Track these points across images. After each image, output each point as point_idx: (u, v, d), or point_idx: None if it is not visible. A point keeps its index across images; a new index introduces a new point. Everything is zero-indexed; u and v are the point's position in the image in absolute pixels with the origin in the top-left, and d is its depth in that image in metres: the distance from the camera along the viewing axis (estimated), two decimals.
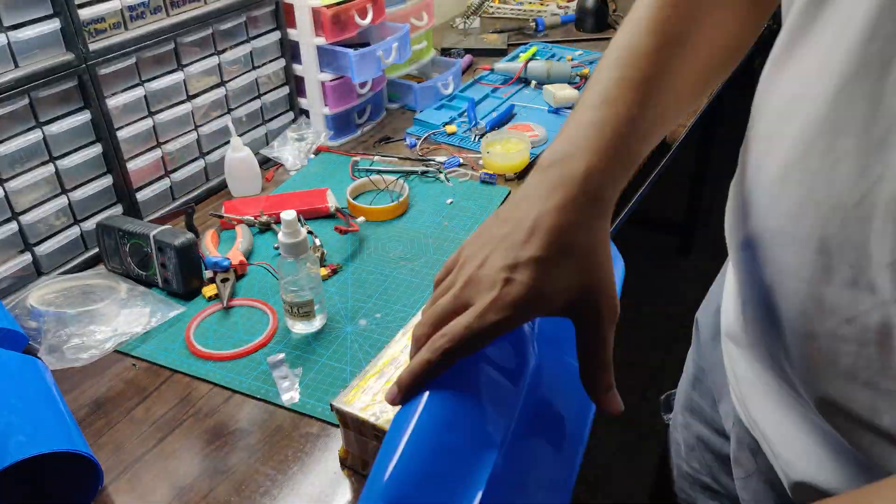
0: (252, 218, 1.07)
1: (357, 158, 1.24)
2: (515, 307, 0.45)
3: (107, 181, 1.02)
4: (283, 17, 1.22)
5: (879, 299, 0.42)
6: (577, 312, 0.47)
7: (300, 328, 0.87)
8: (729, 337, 0.62)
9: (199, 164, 1.16)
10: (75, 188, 0.98)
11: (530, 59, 1.52)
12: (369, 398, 0.66)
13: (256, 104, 1.23)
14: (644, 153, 0.53)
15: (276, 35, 1.23)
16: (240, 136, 1.17)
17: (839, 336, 0.45)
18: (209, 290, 0.94)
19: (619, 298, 0.49)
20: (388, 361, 0.70)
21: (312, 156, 1.27)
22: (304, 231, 0.82)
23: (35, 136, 0.91)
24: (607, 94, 0.52)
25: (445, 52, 1.65)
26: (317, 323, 0.87)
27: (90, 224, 1.00)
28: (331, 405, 0.67)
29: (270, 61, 1.24)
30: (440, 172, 1.19)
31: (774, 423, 0.57)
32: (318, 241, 1.01)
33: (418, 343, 0.47)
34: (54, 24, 0.90)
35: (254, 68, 1.21)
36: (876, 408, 0.45)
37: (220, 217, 1.08)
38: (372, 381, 0.68)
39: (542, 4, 1.95)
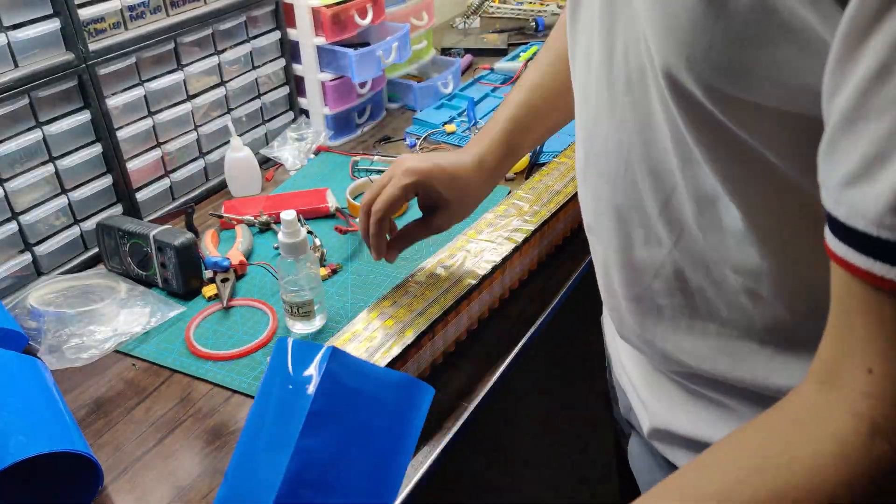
0: (252, 218, 1.07)
1: (357, 158, 1.24)
2: (415, 177, 0.76)
3: (107, 181, 1.02)
4: (283, 17, 1.22)
5: (666, 248, 0.53)
6: (431, 205, 0.79)
7: (300, 328, 0.87)
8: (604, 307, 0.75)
9: (199, 164, 1.16)
10: (75, 188, 0.98)
11: (530, 59, 1.52)
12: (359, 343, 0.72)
13: (256, 104, 1.23)
14: (528, 140, 0.82)
15: (276, 35, 1.22)
16: (240, 136, 1.17)
17: (654, 291, 0.56)
18: (209, 290, 0.94)
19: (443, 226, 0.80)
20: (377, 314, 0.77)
21: (312, 156, 1.27)
22: (303, 231, 0.82)
23: (35, 136, 0.91)
24: (511, 92, 0.82)
25: (445, 51, 1.65)
26: (317, 323, 0.87)
27: (90, 224, 1.00)
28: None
29: (270, 61, 1.24)
30: None
31: (639, 376, 0.66)
32: (318, 241, 1.01)
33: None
34: (54, 24, 0.90)
35: (254, 68, 1.21)
36: (699, 354, 0.55)
37: (220, 217, 1.08)
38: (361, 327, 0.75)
39: (541, 4, 1.95)
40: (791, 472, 0.36)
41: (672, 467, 0.63)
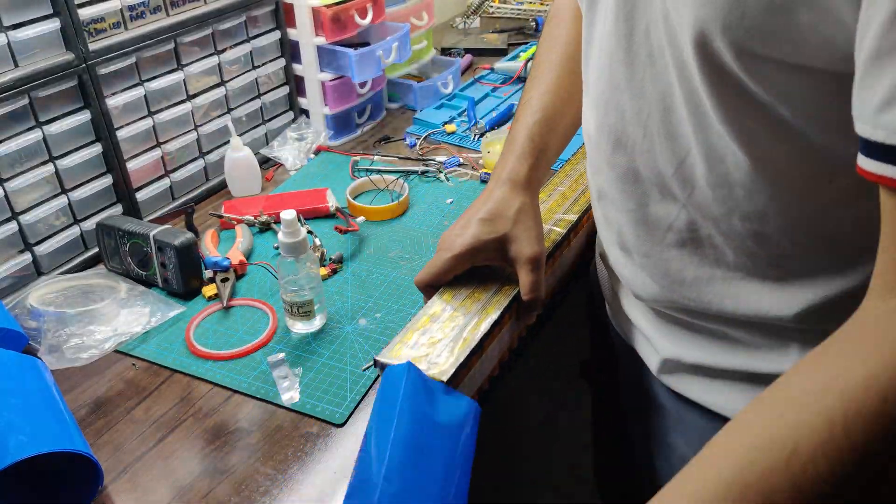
0: (252, 218, 1.07)
1: (357, 158, 1.24)
2: (461, 250, 0.73)
3: (107, 181, 1.02)
4: (283, 17, 1.22)
5: (680, 203, 0.59)
6: (506, 256, 0.74)
7: (300, 328, 0.87)
8: (602, 259, 0.80)
9: (199, 164, 1.16)
10: (75, 188, 0.98)
11: (530, 59, 1.52)
12: (416, 353, 0.69)
13: (256, 104, 1.23)
14: (554, 140, 0.79)
15: (276, 35, 1.22)
16: (240, 135, 1.17)
17: (665, 244, 0.62)
18: (209, 290, 0.94)
19: (541, 252, 0.73)
20: (429, 319, 0.74)
21: (312, 155, 1.27)
22: (303, 231, 0.82)
23: (35, 135, 0.91)
24: (518, 112, 0.82)
25: (445, 51, 1.65)
26: (317, 323, 0.87)
27: (90, 224, 1.00)
28: (374, 360, 0.69)
29: (270, 61, 1.24)
30: (440, 172, 1.19)
31: (645, 319, 0.72)
32: (318, 241, 1.01)
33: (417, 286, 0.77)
34: (54, 24, 0.90)
35: (254, 68, 1.21)
36: (705, 298, 0.62)
37: (220, 217, 1.08)
38: (416, 336, 0.71)
39: (542, 4, 1.95)
40: (853, 375, 0.39)
41: (681, 400, 0.70)
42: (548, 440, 1.75)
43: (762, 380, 0.60)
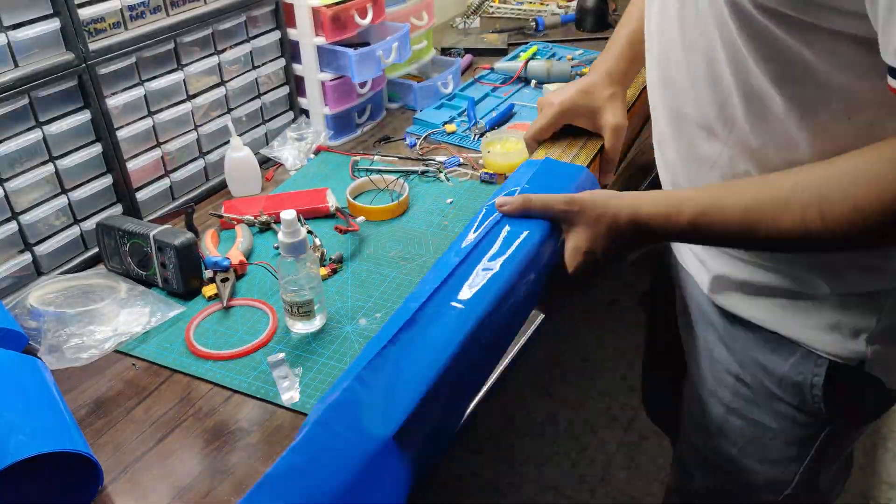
0: (252, 218, 1.07)
1: (357, 158, 1.24)
2: (561, 102, 0.90)
3: (107, 181, 1.02)
4: (283, 17, 1.22)
5: (722, 140, 0.69)
6: (595, 122, 0.91)
7: (300, 328, 0.87)
8: None
9: (199, 164, 1.16)
10: (75, 188, 0.98)
11: (530, 59, 1.52)
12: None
13: (256, 104, 1.23)
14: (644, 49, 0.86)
15: (276, 35, 1.22)
16: (240, 135, 1.17)
17: (710, 179, 0.72)
18: (209, 290, 0.94)
19: (624, 124, 0.90)
20: None
21: (312, 155, 1.27)
22: (303, 231, 0.82)
23: (35, 135, 0.91)
24: (622, 20, 0.96)
25: (445, 51, 1.65)
26: (317, 322, 0.87)
27: (90, 224, 1.00)
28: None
29: (270, 61, 1.24)
30: (440, 172, 1.19)
31: (699, 249, 0.82)
32: (318, 241, 1.01)
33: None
34: (54, 24, 0.90)
35: (254, 68, 1.21)
36: None
37: (220, 217, 1.08)
38: None
39: (542, 4, 1.95)
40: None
41: (728, 317, 0.79)
42: (548, 440, 1.75)
43: (801, 296, 0.71)
